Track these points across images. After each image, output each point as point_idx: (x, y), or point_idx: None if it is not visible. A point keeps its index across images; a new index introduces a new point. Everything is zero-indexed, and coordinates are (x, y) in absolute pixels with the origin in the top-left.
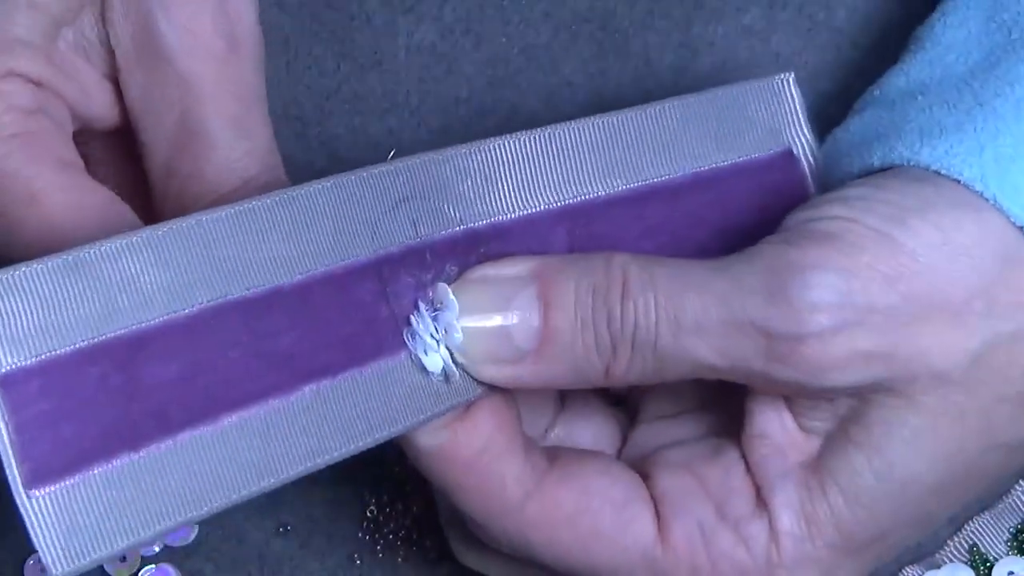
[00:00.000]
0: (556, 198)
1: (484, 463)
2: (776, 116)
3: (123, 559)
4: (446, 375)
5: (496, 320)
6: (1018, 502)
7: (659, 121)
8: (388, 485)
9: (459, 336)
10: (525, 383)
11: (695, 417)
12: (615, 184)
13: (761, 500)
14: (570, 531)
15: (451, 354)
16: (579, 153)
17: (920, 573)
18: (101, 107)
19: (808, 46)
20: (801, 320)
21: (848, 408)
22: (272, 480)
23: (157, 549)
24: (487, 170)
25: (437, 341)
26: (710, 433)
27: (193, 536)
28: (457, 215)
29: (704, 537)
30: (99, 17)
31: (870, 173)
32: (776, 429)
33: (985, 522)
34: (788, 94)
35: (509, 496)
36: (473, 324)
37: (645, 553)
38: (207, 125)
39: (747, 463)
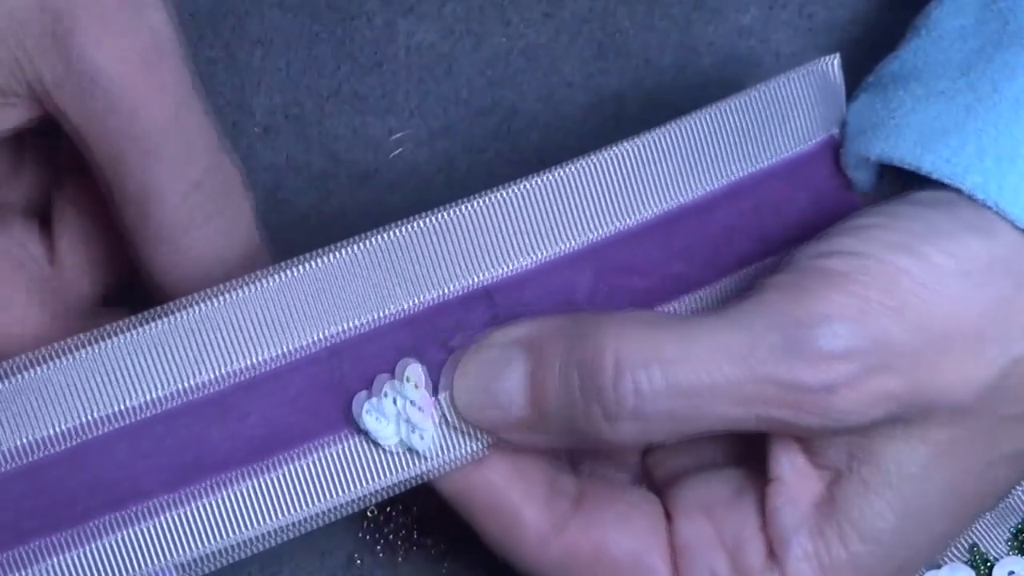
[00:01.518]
0: (577, 238)
1: (503, 507)
2: (817, 105)
3: None
4: (411, 449)
5: (488, 398)
6: (1018, 502)
7: (686, 138)
8: None
9: (417, 417)
10: (530, 447)
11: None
12: (642, 213)
13: (774, 554)
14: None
15: (420, 426)
16: (599, 189)
17: (920, 573)
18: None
19: (808, 46)
20: (830, 371)
21: (857, 445)
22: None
23: None
24: (494, 223)
25: (394, 417)
26: (731, 458)
27: None
28: (462, 274)
29: None
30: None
31: (866, 164)
32: (789, 472)
33: (985, 522)
34: (832, 78)
35: (530, 539)
36: (466, 399)
37: None
38: (141, 129)
39: (764, 511)
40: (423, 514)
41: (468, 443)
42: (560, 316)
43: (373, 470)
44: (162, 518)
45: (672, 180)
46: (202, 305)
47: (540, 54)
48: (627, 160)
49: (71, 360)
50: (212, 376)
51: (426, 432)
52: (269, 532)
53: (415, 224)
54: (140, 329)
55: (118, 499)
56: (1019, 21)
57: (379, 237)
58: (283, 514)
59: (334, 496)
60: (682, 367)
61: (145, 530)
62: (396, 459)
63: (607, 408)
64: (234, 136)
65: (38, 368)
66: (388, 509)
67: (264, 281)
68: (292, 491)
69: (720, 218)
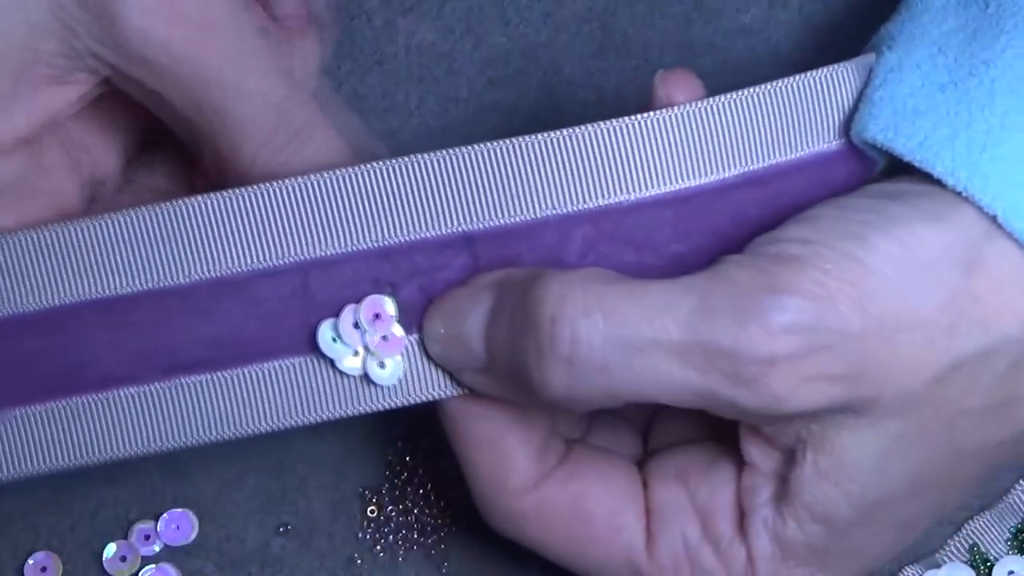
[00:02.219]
0: (573, 202)
1: (497, 446)
2: (850, 103)
3: (123, 559)
4: (369, 379)
5: (454, 335)
6: (1018, 502)
7: (707, 120)
8: (388, 485)
9: (382, 349)
10: (488, 392)
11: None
12: (649, 188)
13: (742, 525)
14: (563, 530)
15: (388, 362)
16: (606, 157)
17: (920, 573)
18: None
19: (808, 46)
20: (773, 343)
21: (813, 434)
22: (137, 450)
23: (157, 549)
24: (484, 173)
25: (360, 347)
26: (711, 432)
27: (194, 536)
28: (445, 217)
29: (688, 552)
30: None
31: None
32: (760, 457)
33: (985, 522)
34: (862, 79)
35: (513, 483)
36: (434, 335)
37: (631, 561)
38: (203, 94)
39: (738, 484)
40: (423, 514)
41: (430, 385)
42: (533, 267)
43: (330, 395)
44: (120, 403)
45: (686, 160)
46: (178, 205)
47: (540, 54)
48: (641, 132)
49: (53, 238)
50: (181, 273)
51: (389, 365)
52: (219, 435)
53: (402, 161)
54: (116, 219)
55: (81, 379)
56: (999, 3)
57: (365, 168)
58: (233, 424)
59: (287, 415)
60: (623, 319)
61: (104, 412)
62: (355, 388)
63: (541, 352)
64: None
65: (11, 242)
66: (388, 509)
67: (244, 193)
68: (245, 401)
69: (731, 205)
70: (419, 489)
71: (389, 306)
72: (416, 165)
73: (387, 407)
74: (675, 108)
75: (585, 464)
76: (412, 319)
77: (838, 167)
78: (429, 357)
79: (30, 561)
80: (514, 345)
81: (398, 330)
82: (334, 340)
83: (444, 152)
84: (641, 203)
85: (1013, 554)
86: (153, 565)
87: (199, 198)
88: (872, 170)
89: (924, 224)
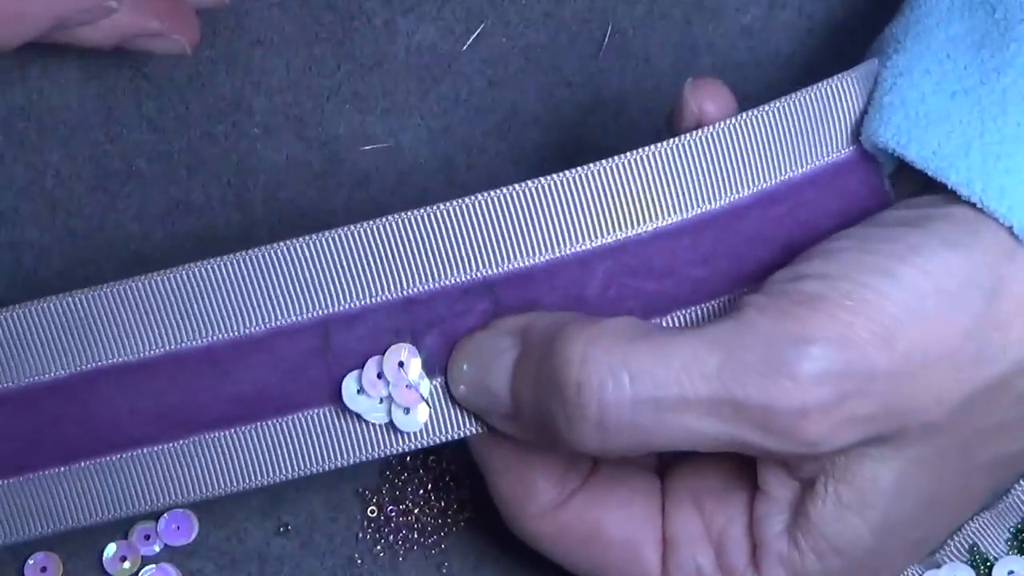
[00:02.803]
0: (590, 239)
1: (523, 470)
2: (858, 110)
3: (123, 559)
4: (394, 426)
5: (479, 383)
6: (1018, 502)
7: (717, 144)
8: (388, 485)
9: (406, 398)
10: (516, 435)
11: None
12: (666, 217)
13: (756, 558)
14: (581, 554)
15: (409, 408)
16: (620, 192)
17: (920, 573)
18: None
19: (808, 46)
20: (804, 394)
21: (836, 466)
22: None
23: (158, 549)
24: (500, 218)
25: (384, 397)
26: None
27: (194, 536)
28: (464, 264)
29: None
30: None
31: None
32: (772, 483)
33: (985, 522)
34: (869, 85)
35: (535, 507)
36: (458, 382)
37: None
38: None
39: (751, 515)
40: (423, 515)
41: (455, 426)
42: (556, 312)
43: (355, 443)
44: (140, 463)
45: (701, 186)
46: (196, 269)
47: (540, 54)
48: (653, 163)
49: (70, 305)
50: (202, 335)
51: (414, 412)
52: (241, 486)
53: (418, 214)
54: (136, 285)
55: (102, 441)
56: (1005, 7)
57: (382, 223)
58: (255, 475)
59: (311, 463)
60: (651, 379)
61: (123, 472)
62: (380, 435)
63: (570, 416)
64: (234, 136)
65: (37, 311)
66: (388, 509)
67: (262, 253)
68: (268, 452)
69: (749, 225)
70: (419, 489)
71: (412, 355)
72: (432, 215)
73: (412, 449)
74: (685, 137)
75: (605, 489)
76: (435, 364)
77: (850, 175)
78: (453, 399)
79: (30, 561)
80: (541, 404)
81: (422, 379)
82: (358, 392)
83: (460, 201)
84: (659, 233)
85: (1013, 554)
86: (153, 565)
87: (217, 261)
88: (881, 174)
89: (946, 252)
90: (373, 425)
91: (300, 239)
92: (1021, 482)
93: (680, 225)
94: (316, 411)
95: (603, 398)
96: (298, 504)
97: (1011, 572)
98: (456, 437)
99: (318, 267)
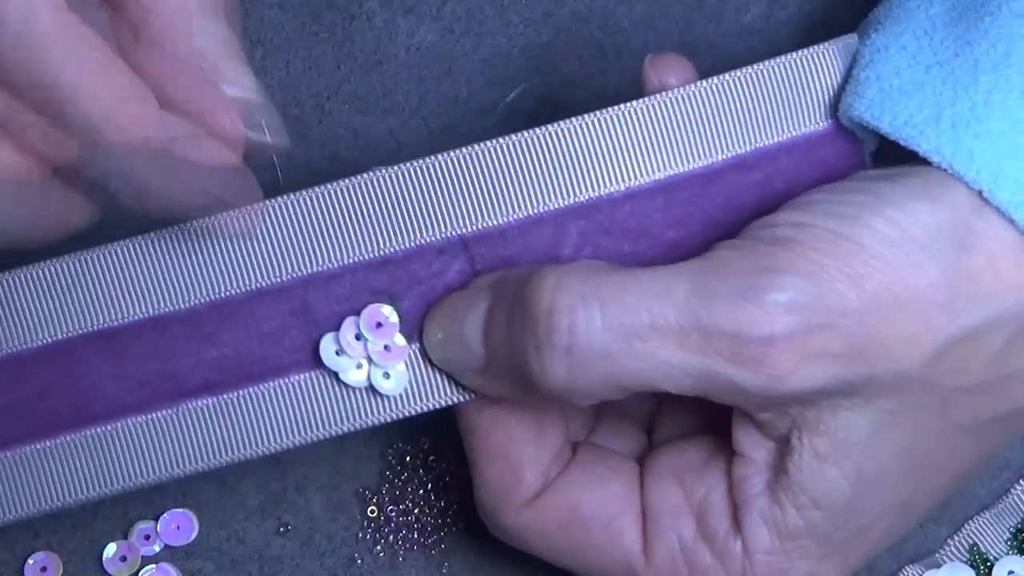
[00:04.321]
0: (565, 197)
1: (511, 461)
2: (837, 82)
3: (123, 559)
4: (374, 391)
5: (454, 337)
6: (1018, 502)
7: (693, 105)
8: (388, 486)
9: (385, 358)
10: (490, 392)
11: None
12: (640, 176)
13: (737, 520)
14: (562, 539)
15: (392, 370)
16: (594, 149)
17: (920, 573)
18: None
19: (808, 46)
20: (772, 322)
21: (807, 419)
22: (160, 476)
23: (157, 549)
24: (475, 175)
25: (363, 359)
26: (712, 428)
27: (194, 536)
28: (439, 222)
29: (684, 553)
30: None
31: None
32: (752, 447)
33: (985, 522)
34: (849, 58)
35: (518, 499)
36: (434, 338)
37: (629, 565)
38: None
39: (731, 480)
40: (423, 515)
41: (436, 394)
42: (530, 267)
43: (337, 410)
44: (125, 435)
45: (674, 147)
46: (175, 233)
47: (540, 54)
48: (627, 122)
49: (51, 272)
50: (183, 299)
51: (393, 375)
52: (228, 458)
53: (393, 170)
54: (116, 249)
55: (86, 411)
56: None
57: (356, 181)
58: (241, 446)
59: (295, 433)
60: (621, 307)
61: (109, 446)
62: (361, 401)
63: (539, 343)
64: None
65: (16, 278)
66: (388, 509)
67: (238, 215)
68: (253, 422)
69: (723, 189)
70: (419, 489)
71: (390, 315)
72: (406, 173)
73: (394, 418)
74: (659, 96)
75: (583, 470)
76: (413, 328)
77: (826, 148)
78: (432, 364)
79: (30, 561)
80: (513, 340)
81: (400, 339)
82: (337, 353)
83: (433, 158)
84: (632, 193)
85: (1013, 554)
86: (153, 565)
87: (194, 224)
88: (861, 151)
89: (916, 203)
90: (354, 391)
91: (276, 199)
92: (1021, 482)
93: (652, 186)
94: (297, 376)
95: (574, 322)
96: (298, 504)
97: (1011, 572)
98: (437, 405)
99: (294, 227)
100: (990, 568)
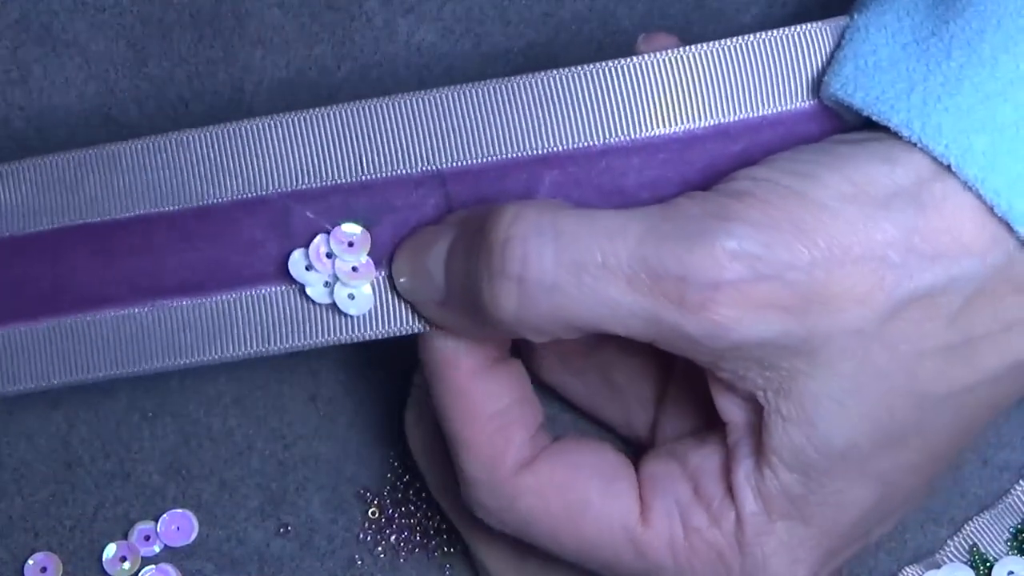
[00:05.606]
0: (546, 145)
1: (495, 423)
2: (822, 63)
3: (123, 559)
4: (340, 310)
5: (418, 268)
6: (1018, 502)
7: (678, 69)
8: (389, 486)
9: (351, 278)
10: (446, 325)
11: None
12: (617, 135)
13: (730, 484)
14: (558, 501)
15: (362, 292)
16: (575, 103)
17: (920, 573)
18: None
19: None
20: (719, 267)
21: (771, 381)
22: (116, 371)
23: (157, 549)
24: (467, 113)
25: (330, 276)
26: (704, 427)
27: (193, 536)
28: (419, 156)
29: (681, 516)
30: None
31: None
32: (731, 411)
33: (985, 522)
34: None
35: (509, 460)
36: (400, 268)
37: (627, 528)
38: None
39: (725, 448)
40: (424, 515)
41: (399, 320)
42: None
43: (301, 324)
44: (100, 322)
45: (656, 108)
46: (167, 139)
47: (540, 54)
48: (612, 78)
49: (44, 167)
50: (168, 202)
51: (359, 296)
52: (194, 359)
53: (382, 102)
54: (105, 151)
55: (68, 299)
56: None
57: (345, 108)
58: (209, 349)
59: (260, 342)
60: (574, 241)
61: (82, 330)
62: (325, 318)
63: (492, 271)
64: None
65: (17, 169)
66: (389, 510)
67: (229, 129)
68: (222, 327)
69: (702, 156)
70: (421, 491)
71: (362, 235)
72: (394, 106)
73: (355, 339)
74: (646, 56)
75: (577, 441)
76: (383, 255)
77: (811, 126)
78: (398, 293)
79: (30, 561)
80: (469, 268)
81: (368, 261)
82: (307, 268)
83: (420, 94)
84: (609, 149)
85: (1013, 554)
86: (153, 566)
87: (187, 133)
88: (844, 132)
89: (875, 163)
90: (319, 308)
91: (263, 119)
92: (1021, 483)
93: (631, 145)
94: (269, 288)
95: (526, 252)
96: (298, 504)
97: (1011, 572)
98: (401, 332)
99: (281, 146)
100: (990, 568)
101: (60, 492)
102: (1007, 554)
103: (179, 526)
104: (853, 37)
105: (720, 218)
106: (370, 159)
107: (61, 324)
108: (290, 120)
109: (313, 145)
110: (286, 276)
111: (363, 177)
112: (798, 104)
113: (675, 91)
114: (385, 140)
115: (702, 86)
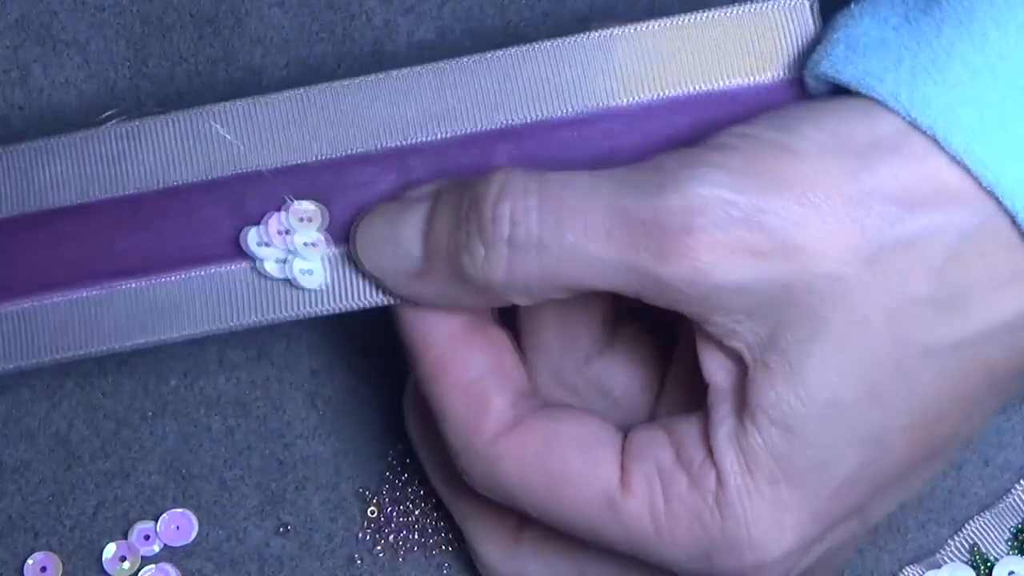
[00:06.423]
0: (502, 119)
1: (473, 391)
2: (785, 43)
3: (123, 559)
4: (296, 284)
5: (387, 239)
6: (1019, 502)
7: (640, 42)
8: (388, 485)
9: (308, 252)
10: (420, 296)
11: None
12: (570, 108)
13: (711, 448)
14: (539, 467)
15: (314, 267)
16: (527, 77)
17: (921, 573)
18: None
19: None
20: (691, 212)
21: (759, 336)
22: (75, 352)
23: (157, 549)
24: (422, 92)
25: (286, 252)
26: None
27: (193, 536)
28: (379, 133)
29: (662, 480)
30: None
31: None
32: (718, 370)
33: (986, 522)
34: (804, 19)
35: (489, 426)
36: (365, 238)
37: (608, 495)
38: None
39: (707, 413)
40: (423, 515)
41: (355, 295)
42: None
43: (257, 300)
44: (51, 304)
45: (611, 82)
46: (121, 128)
47: None
48: (565, 54)
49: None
50: (124, 187)
51: (315, 271)
52: (151, 339)
53: (340, 84)
54: (75, 138)
55: (19, 280)
56: None
57: (303, 91)
58: (164, 328)
59: (219, 319)
60: (557, 200)
61: (33, 315)
62: (281, 294)
63: (483, 231)
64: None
65: None
66: (388, 509)
67: (187, 115)
68: (177, 306)
69: (657, 129)
70: (420, 490)
71: (317, 210)
72: (352, 87)
73: (312, 314)
74: (601, 31)
75: (562, 410)
76: (341, 231)
77: (770, 100)
78: (355, 266)
79: (30, 561)
80: (456, 235)
81: (324, 236)
82: (263, 245)
83: (377, 76)
84: (564, 122)
85: (1013, 554)
86: (153, 565)
87: (144, 120)
88: None
89: (856, 116)
90: (276, 284)
91: (219, 105)
92: (1021, 482)
93: (586, 117)
94: (225, 267)
95: (514, 211)
96: (298, 504)
97: (1012, 572)
98: (357, 307)
99: (238, 129)
100: (990, 568)
101: (60, 492)
102: (1008, 554)
103: (179, 526)
104: (847, 23)
105: (693, 167)
106: (328, 138)
107: (6, 310)
108: (247, 104)
109: (271, 126)
110: (241, 255)
111: (321, 156)
112: (759, 78)
113: (630, 65)
114: (344, 120)
115: (661, 59)
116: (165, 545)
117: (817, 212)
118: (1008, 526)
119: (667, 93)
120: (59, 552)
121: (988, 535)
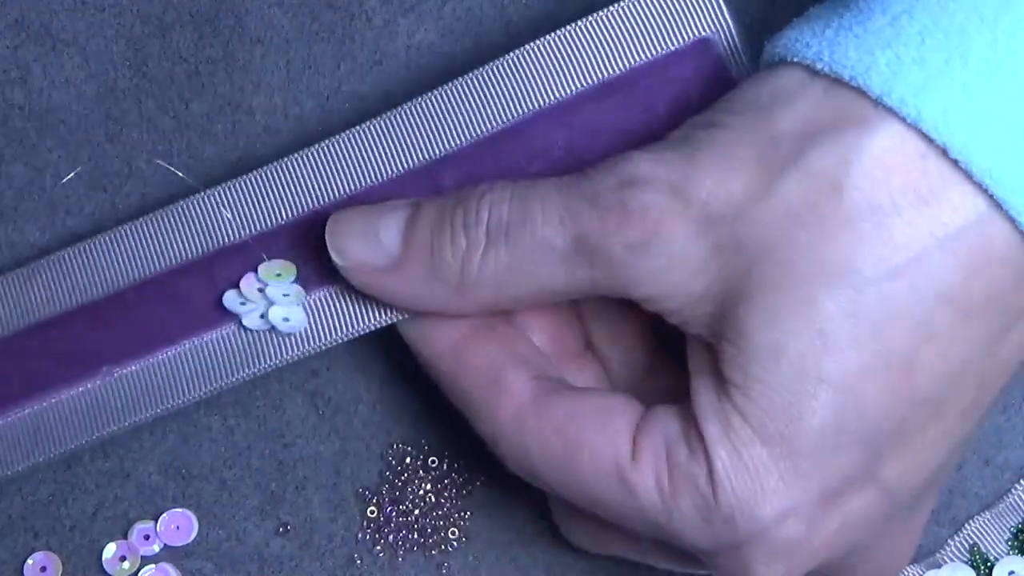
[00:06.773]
0: (430, 152)
1: (490, 374)
2: (689, 7)
3: (123, 559)
4: (274, 329)
5: (365, 233)
6: (1019, 501)
7: (541, 56)
8: (388, 485)
9: (284, 303)
10: (394, 291)
11: None
12: (495, 122)
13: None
14: (559, 440)
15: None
16: (451, 113)
17: (921, 573)
18: None
19: None
20: (623, 186)
21: (713, 316)
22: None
23: (157, 549)
24: (349, 152)
25: (265, 304)
26: None
27: (193, 536)
28: (333, 188)
29: (667, 449)
30: None
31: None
32: (696, 354)
33: (986, 522)
34: None
35: (510, 400)
36: (341, 231)
37: (619, 466)
38: None
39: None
40: (423, 515)
41: (335, 330)
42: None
43: (247, 354)
44: (56, 403)
45: (523, 94)
46: (102, 237)
47: None
48: (479, 83)
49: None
50: (112, 286)
51: (293, 317)
52: (151, 414)
53: (296, 157)
54: (63, 256)
55: (21, 388)
56: None
57: (251, 177)
58: (164, 399)
59: (209, 381)
60: (524, 197)
61: (42, 413)
62: (267, 343)
63: (468, 227)
64: (234, 136)
65: None
66: (388, 509)
67: (160, 217)
68: (174, 377)
69: (583, 117)
70: (419, 490)
71: (287, 266)
72: (308, 156)
73: (301, 355)
74: (498, 61)
75: (588, 388)
76: (310, 277)
77: (683, 65)
78: (333, 305)
79: (30, 561)
80: (441, 228)
81: (296, 286)
82: (242, 304)
83: (320, 145)
84: (489, 137)
85: (1014, 554)
86: (153, 565)
87: (118, 229)
88: (722, 63)
89: (757, 83)
90: (259, 335)
91: (181, 203)
92: (1021, 482)
93: (508, 126)
94: (211, 333)
95: (492, 201)
96: (298, 504)
97: (1012, 572)
98: (343, 339)
99: (209, 215)
100: (991, 568)
101: (60, 492)
102: (1008, 554)
103: (179, 525)
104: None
105: (630, 156)
106: (288, 202)
107: (23, 413)
108: (206, 197)
109: (240, 205)
110: (224, 318)
111: (284, 219)
112: (665, 49)
113: (545, 70)
114: (302, 183)
115: (569, 57)
116: (165, 545)
117: (736, 176)
118: (1008, 526)
119: (586, 83)
120: (59, 552)
121: (988, 535)
